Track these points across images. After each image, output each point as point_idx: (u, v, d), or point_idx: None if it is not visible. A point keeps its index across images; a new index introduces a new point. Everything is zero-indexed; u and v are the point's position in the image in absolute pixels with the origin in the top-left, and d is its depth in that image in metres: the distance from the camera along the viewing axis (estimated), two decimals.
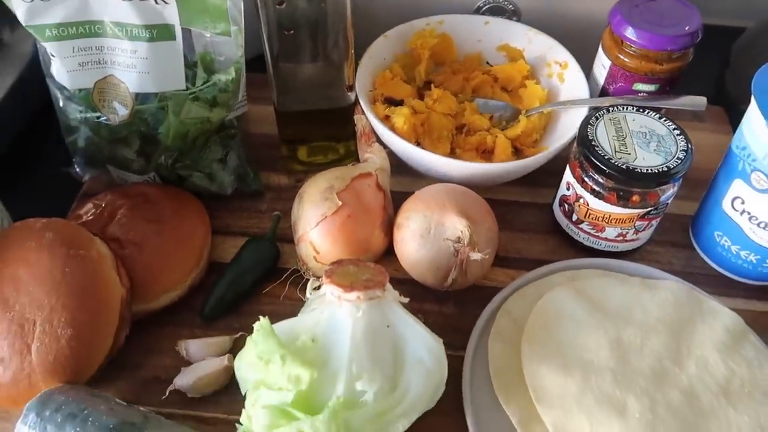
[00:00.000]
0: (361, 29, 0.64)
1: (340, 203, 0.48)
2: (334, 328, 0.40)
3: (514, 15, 0.66)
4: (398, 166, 0.57)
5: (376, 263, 0.50)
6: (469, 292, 0.51)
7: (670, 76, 0.54)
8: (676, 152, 0.47)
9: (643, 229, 0.51)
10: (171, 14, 0.47)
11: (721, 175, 0.50)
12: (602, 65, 0.56)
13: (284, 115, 0.56)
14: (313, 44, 0.51)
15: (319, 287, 0.42)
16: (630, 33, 0.52)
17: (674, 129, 0.49)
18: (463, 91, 0.62)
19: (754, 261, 0.50)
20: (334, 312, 0.41)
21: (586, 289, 0.49)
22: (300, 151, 0.60)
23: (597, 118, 0.49)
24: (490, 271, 0.53)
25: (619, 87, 0.55)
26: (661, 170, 0.46)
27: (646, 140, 0.48)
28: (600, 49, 0.56)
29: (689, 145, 0.48)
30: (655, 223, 0.51)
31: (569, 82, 0.59)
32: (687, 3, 0.54)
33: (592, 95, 0.59)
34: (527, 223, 0.57)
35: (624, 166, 0.46)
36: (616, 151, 0.47)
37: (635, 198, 0.47)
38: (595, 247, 0.53)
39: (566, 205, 0.52)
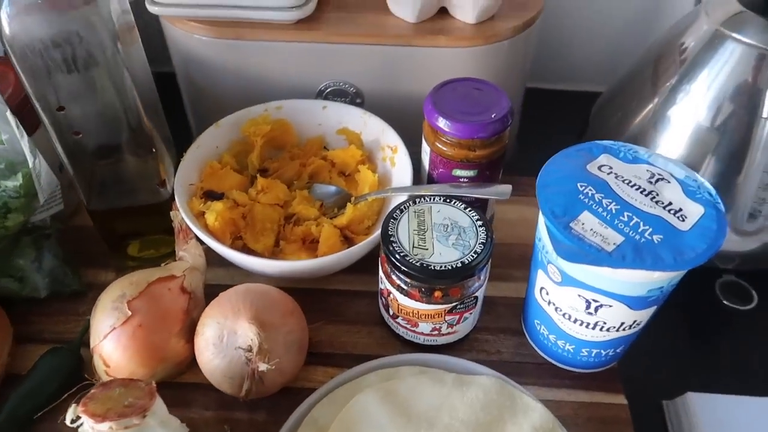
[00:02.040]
0: (206, 118, 0.64)
1: (129, 313, 0.45)
2: None
3: (357, 97, 0.65)
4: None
5: (152, 380, 0.47)
6: (283, 397, 0.49)
7: (489, 161, 0.53)
8: (475, 245, 0.46)
9: (457, 323, 0.49)
10: None
11: (532, 265, 0.49)
12: (425, 151, 0.56)
13: (97, 213, 0.54)
14: (109, 144, 0.49)
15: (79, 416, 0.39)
16: (440, 122, 0.52)
17: (477, 220, 0.48)
18: (299, 177, 0.61)
19: (571, 350, 0.49)
20: None
21: (397, 389, 0.47)
22: (131, 246, 0.58)
23: (402, 211, 0.48)
24: (309, 371, 0.51)
25: (440, 173, 0.55)
26: (455, 266, 0.45)
27: (447, 233, 0.47)
28: (423, 136, 0.56)
29: (489, 238, 0.47)
30: (470, 315, 0.49)
31: (399, 166, 0.59)
32: (497, 88, 0.54)
33: (423, 180, 0.58)
34: (357, 313, 0.55)
35: (419, 264, 0.45)
36: (414, 246, 0.46)
37: (437, 294, 0.46)
38: (415, 341, 0.51)
39: (383, 299, 0.51)
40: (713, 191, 0.43)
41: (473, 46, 0.61)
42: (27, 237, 0.54)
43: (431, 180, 0.56)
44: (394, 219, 0.48)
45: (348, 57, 0.63)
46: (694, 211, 0.42)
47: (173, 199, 0.54)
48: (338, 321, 0.55)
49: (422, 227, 0.47)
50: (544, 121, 0.82)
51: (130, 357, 0.45)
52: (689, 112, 0.57)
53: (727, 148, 0.55)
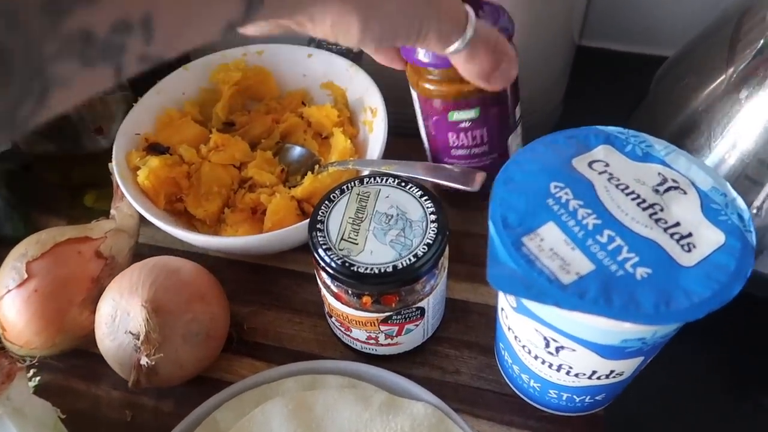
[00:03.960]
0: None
1: (26, 275, 0.41)
2: None
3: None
4: None
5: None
6: (196, 388, 0.43)
7: (492, 94, 0.41)
8: (417, 246, 0.36)
9: (398, 335, 0.40)
10: None
11: None
12: (415, 102, 0.45)
13: (38, 158, 0.49)
14: None
15: None
16: (419, 53, 0.41)
17: (431, 213, 0.38)
18: (270, 135, 0.53)
19: (537, 388, 0.39)
20: None
21: (312, 404, 0.39)
22: (87, 196, 0.54)
23: (343, 192, 0.39)
24: (234, 361, 0.45)
25: (435, 121, 0.44)
26: (383, 270, 0.35)
27: (387, 226, 0.37)
28: (410, 85, 0.45)
29: (440, 237, 0.37)
30: (415, 327, 0.40)
31: (375, 133, 0.49)
32: (498, 7, 0.42)
33: (427, 157, 0.48)
34: (304, 302, 0.48)
35: (340, 261, 0.36)
36: (342, 239, 0.37)
37: (366, 300, 0.37)
38: (352, 346, 0.43)
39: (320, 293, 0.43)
40: (746, 214, 0.30)
41: None
42: None
43: (429, 137, 0.46)
44: (330, 201, 0.39)
45: None
46: (710, 239, 0.29)
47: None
48: (281, 307, 0.47)
49: (360, 215, 0.38)
50: (597, 85, 0.68)
51: (25, 323, 0.41)
52: None
53: None
